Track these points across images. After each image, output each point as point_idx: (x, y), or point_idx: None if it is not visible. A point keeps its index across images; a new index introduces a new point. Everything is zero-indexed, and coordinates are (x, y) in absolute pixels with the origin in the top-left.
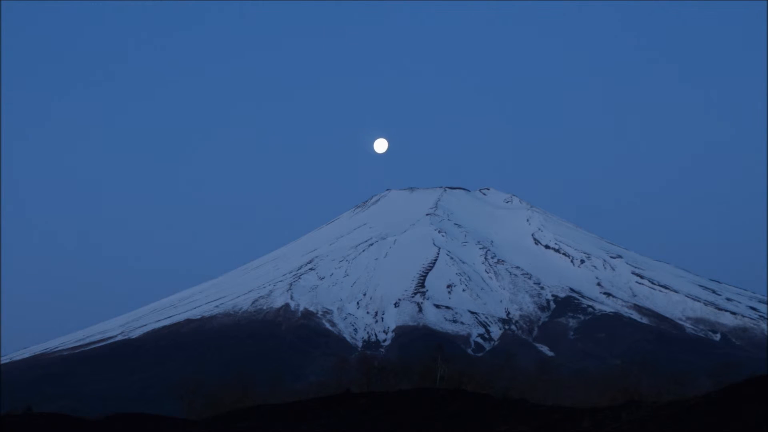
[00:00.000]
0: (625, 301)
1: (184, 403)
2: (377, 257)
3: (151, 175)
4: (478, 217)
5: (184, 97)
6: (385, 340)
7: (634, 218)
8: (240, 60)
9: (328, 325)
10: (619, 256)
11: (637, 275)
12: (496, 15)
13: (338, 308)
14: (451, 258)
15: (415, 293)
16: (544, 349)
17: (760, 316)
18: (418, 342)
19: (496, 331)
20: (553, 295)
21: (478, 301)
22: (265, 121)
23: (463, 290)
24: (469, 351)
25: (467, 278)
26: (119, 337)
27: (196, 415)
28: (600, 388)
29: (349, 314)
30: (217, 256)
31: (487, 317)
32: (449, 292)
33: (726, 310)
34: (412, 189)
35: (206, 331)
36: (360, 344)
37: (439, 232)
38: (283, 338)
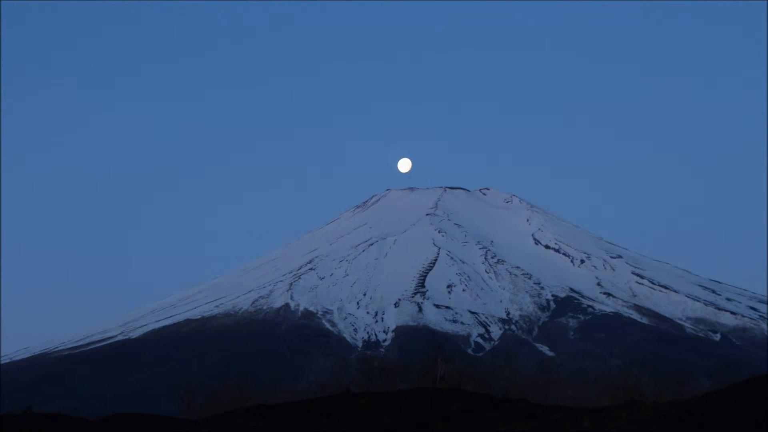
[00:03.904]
0: (625, 301)
1: (184, 403)
2: (377, 257)
3: (151, 175)
4: (478, 217)
5: (188, 98)
6: (385, 340)
7: (634, 218)
8: (241, 62)
9: (328, 325)
10: (619, 256)
11: (637, 275)
12: (497, 15)
13: (338, 308)
14: (451, 258)
15: (415, 293)
16: (544, 349)
17: (760, 316)
18: (418, 342)
19: (496, 331)
20: (553, 295)
21: (478, 301)
22: (264, 121)
23: (463, 290)
24: (469, 351)
25: (467, 278)
26: (119, 337)
27: (196, 415)
28: (600, 388)
29: (349, 314)
30: (217, 256)
31: (487, 317)
32: (449, 292)
33: (726, 310)
34: (412, 189)
35: (206, 331)
36: (360, 344)
37: (439, 232)
38: (283, 338)
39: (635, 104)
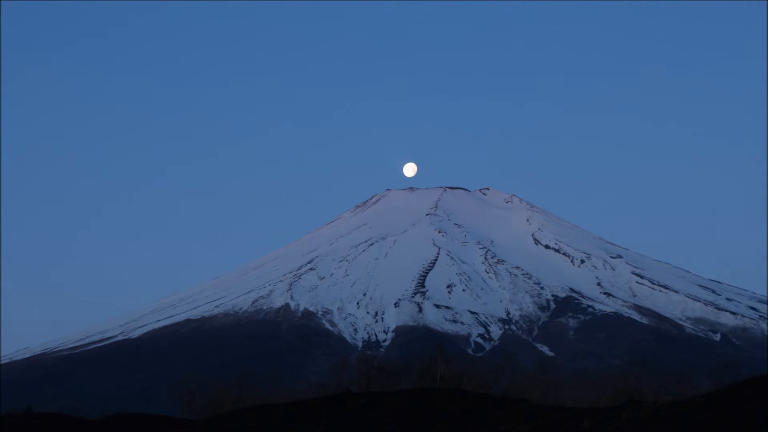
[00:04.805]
0: (625, 301)
1: (184, 403)
2: (377, 257)
3: (149, 174)
4: (478, 217)
5: (189, 97)
6: (385, 340)
7: (634, 218)
8: (241, 61)
9: (328, 325)
10: (619, 256)
11: (637, 275)
12: (497, 15)
13: (338, 308)
14: (451, 258)
15: (415, 293)
16: (544, 349)
17: (760, 316)
18: (418, 342)
19: (496, 331)
20: (553, 295)
21: (478, 301)
22: (264, 121)
23: (463, 290)
24: (469, 351)
25: (467, 278)
26: (119, 337)
27: (196, 415)
28: (600, 388)
29: (349, 314)
30: (217, 256)
31: (487, 317)
32: (449, 292)
33: (726, 310)
34: (412, 189)
35: (206, 331)
36: (360, 344)
37: (439, 232)
38: (283, 338)
39: (635, 104)
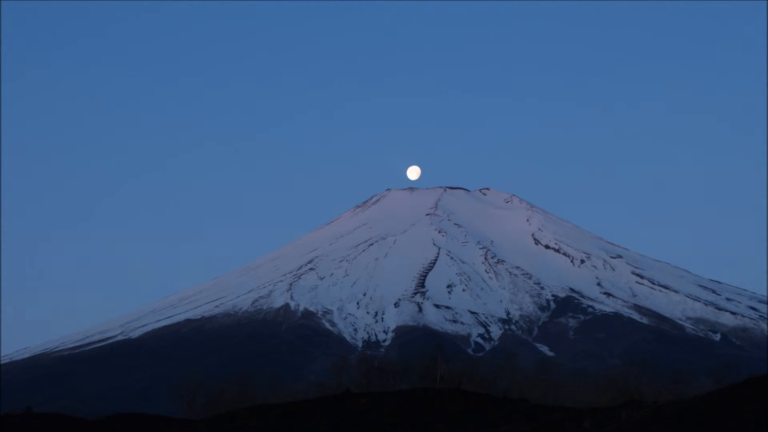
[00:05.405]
0: (625, 301)
1: (184, 403)
2: (377, 257)
3: (150, 174)
4: (478, 217)
5: (189, 97)
6: (385, 340)
7: (634, 218)
8: (242, 59)
9: (328, 325)
10: (619, 256)
11: (637, 275)
12: (497, 14)
13: (338, 308)
14: (451, 258)
15: (415, 293)
16: (544, 349)
17: (760, 316)
18: (418, 342)
19: (496, 331)
20: (553, 295)
21: (478, 301)
22: (264, 120)
23: (463, 290)
24: (469, 351)
25: (467, 278)
26: (119, 337)
27: (196, 415)
28: (600, 388)
29: (349, 314)
30: (217, 256)
31: (487, 317)
32: (449, 292)
33: (726, 310)
34: (412, 189)
35: (206, 331)
36: (360, 344)
37: (439, 232)
38: (283, 338)
39: (635, 104)
